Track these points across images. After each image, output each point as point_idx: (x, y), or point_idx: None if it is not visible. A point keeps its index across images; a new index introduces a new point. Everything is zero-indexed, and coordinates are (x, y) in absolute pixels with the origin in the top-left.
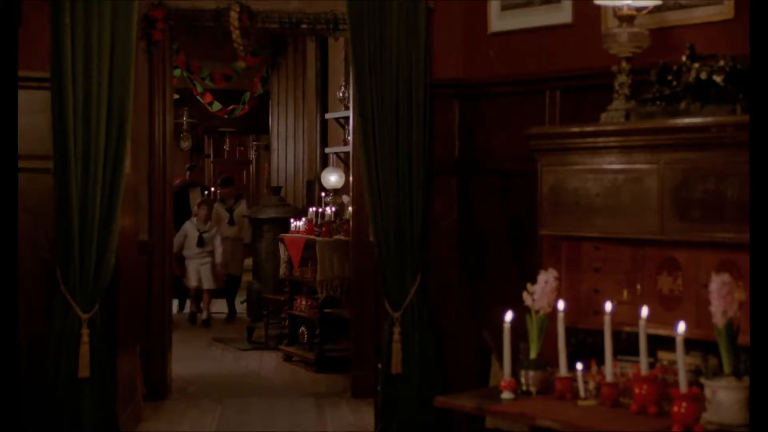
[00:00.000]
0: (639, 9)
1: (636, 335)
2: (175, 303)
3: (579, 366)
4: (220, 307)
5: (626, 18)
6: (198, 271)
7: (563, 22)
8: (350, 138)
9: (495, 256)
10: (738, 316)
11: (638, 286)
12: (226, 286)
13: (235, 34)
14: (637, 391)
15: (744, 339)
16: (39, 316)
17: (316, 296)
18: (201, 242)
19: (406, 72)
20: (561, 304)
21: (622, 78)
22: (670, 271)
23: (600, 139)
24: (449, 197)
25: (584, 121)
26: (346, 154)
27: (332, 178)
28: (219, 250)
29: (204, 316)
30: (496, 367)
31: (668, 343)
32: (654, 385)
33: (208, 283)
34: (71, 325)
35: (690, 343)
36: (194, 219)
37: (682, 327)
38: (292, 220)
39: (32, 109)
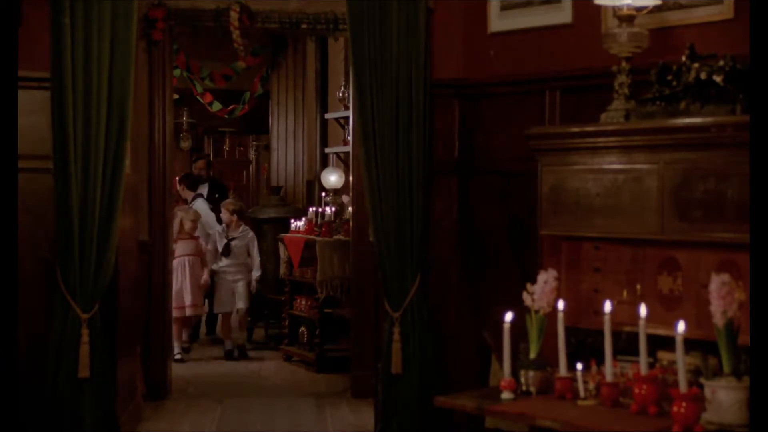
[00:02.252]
0: (639, 9)
1: (636, 335)
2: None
3: (579, 366)
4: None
5: (626, 18)
6: (231, 291)
7: (563, 22)
8: (350, 138)
9: (495, 256)
10: (738, 316)
11: (638, 286)
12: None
13: (235, 34)
14: (637, 391)
15: (744, 339)
16: (39, 316)
17: (316, 296)
18: (227, 251)
19: (406, 72)
20: (561, 304)
21: (622, 78)
22: (670, 271)
23: (600, 139)
24: (449, 197)
25: (584, 121)
26: (346, 154)
27: (332, 178)
28: (257, 261)
29: (239, 340)
30: (496, 366)
31: (668, 343)
32: (654, 385)
33: (242, 301)
34: (71, 325)
35: (690, 343)
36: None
37: (681, 327)
38: (292, 220)
39: (32, 109)
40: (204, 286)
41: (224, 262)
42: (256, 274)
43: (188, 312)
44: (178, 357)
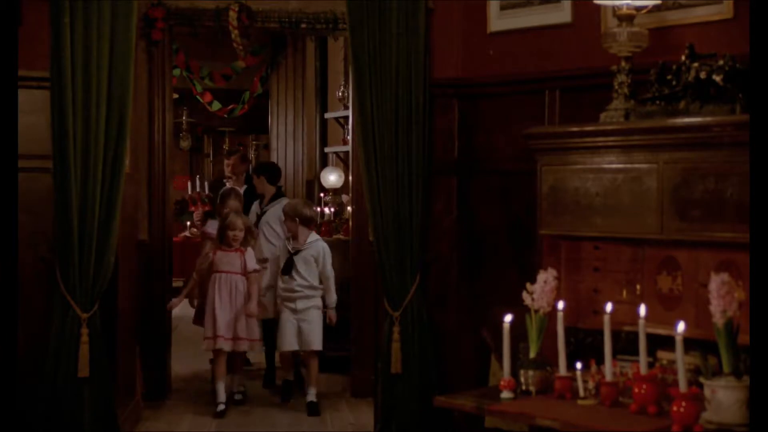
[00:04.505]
0: (638, 8)
1: (635, 335)
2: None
3: (578, 365)
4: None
5: (626, 17)
6: (295, 325)
7: (563, 21)
8: (350, 137)
9: (495, 255)
10: (737, 316)
11: (638, 286)
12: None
13: (234, 33)
14: (636, 390)
15: (744, 338)
16: (39, 316)
17: None
18: (289, 267)
19: (405, 71)
20: (560, 304)
21: (622, 77)
22: (669, 271)
23: (599, 139)
24: (449, 197)
25: (584, 121)
26: (346, 153)
27: (332, 178)
28: (330, 282)
29: (312, 396)
30: (496, 366)
31: (668, 342)
32: (653, 385)
33: (314, 343)
34: (71, 324)
35: (689, 343)
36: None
37: (681, 326)
38: None
39: (32, 109)
40: (251, 315)
41: (284, 284)
42: (331, 300)
43: (222, 345)
44: (221, 408)
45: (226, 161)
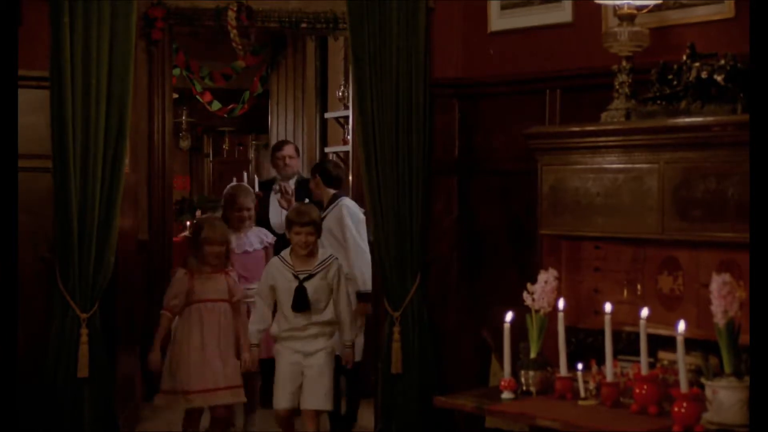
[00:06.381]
0: (639, 8)
1: (636, 335)
2: None
3: (579, 366)
4: None
5: (626, 17)
6: (300, 375)
7: (563, 21)
8: (350, 137)
9: (495, 255)
10: (739, 316)
11: (639, 286)
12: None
13: (233, 33)
14: (637, 391)
15: (745, 339)
16: (39, 316)
17: None
18: (302, 301)
19: (405, 71)
20: (561, 304)
21: (623, 77)
22: (670, 271)
23: (600, 139)
24: (449, 197)
25: (584, 121)
26: (346, 153)
27: None
28: (344, 298)
29: None
30: (496, 366)
31: (669, 343)
32: (654, 385)
33: (316, 399)
34: (70, 324)
35: (691, 343)
36: (287, 251)
37: (682, 326)
38: None
39: (32, 109)
40: (248, 369)
41: (297, 321)
42: (348, 336)
43: (195, 401)
44: None
45: (277, 154)
